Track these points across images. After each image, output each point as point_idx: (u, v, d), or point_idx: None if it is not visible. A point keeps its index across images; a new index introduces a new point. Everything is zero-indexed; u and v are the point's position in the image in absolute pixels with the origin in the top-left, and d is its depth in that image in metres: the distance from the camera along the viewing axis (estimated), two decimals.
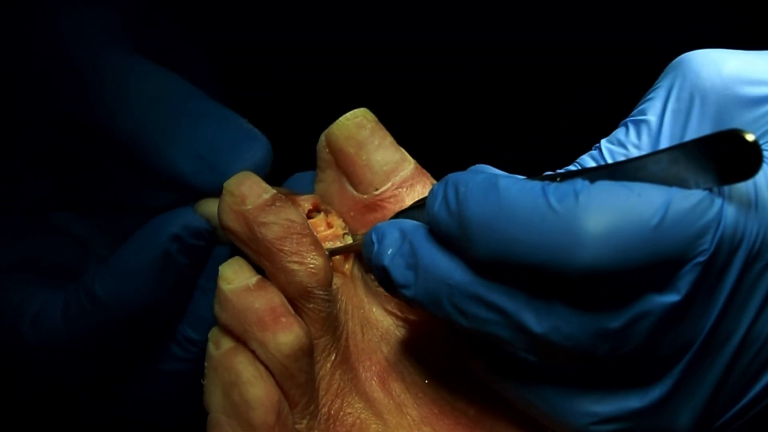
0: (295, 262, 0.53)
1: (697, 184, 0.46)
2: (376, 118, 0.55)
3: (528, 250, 0.46)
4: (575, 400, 0.49)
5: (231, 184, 0.53)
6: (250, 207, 0.53)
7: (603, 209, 0.45)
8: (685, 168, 0.46)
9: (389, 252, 0.50)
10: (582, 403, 0.48)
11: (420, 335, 0.56)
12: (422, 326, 0.56)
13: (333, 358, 0.54)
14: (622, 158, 0.50)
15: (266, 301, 0.52)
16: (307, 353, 0.53)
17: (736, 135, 0.44)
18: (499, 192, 0.47)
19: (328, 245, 0.55)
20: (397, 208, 0.55)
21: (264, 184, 0.53)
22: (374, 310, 0.56)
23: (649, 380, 0.48)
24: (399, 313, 0.56)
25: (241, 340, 0.53)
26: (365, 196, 0.55)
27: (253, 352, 0.52)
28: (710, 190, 0.46)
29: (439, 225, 0.49)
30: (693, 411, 0.48)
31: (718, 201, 0.46)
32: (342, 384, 0.54)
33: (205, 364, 0.54)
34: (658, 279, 0.46)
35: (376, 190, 0.55)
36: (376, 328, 0.55)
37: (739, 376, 0.48)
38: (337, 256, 0.55)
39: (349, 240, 0.56)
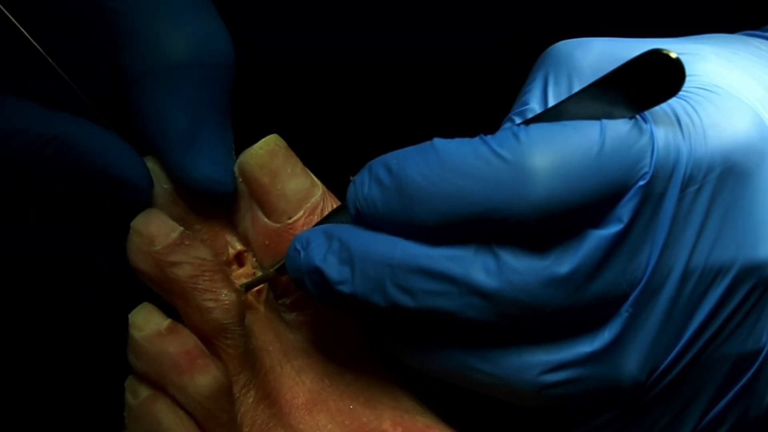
0: (210, 300, 0.52)
1: (622, 114, 0.48)
2: (286, 145, 0.55)
3: (478, 199, 0.46)
4: (524, 355, 0.49)
5: (138, 224, 0.52)
6: (159, 247, 0.52)
7: (546, 145, 0.46)
8: (608, 100, 0.47)
9: (319, 253, 0.50)
10: (532, 355, 0.49)
11: (341, 361, 0.56)
12: (343, 352, 0.56)
13: (254, 393, 0.54)
14: None
15: (180, 344, 0.52)
16: (227, 392, 0.52)
17: (659, 54, 0.46)
18: (437, 151, 0.48)
19: (241, 282, 0.55)
20: None
21: (171, 222, 0.53)
22: (291, 342, 0.55)
23: (598, 324, 0.49)
24: (318, 342, 0.56)
25: (159, 387, 0.52)
26: (278, 225, 0.55)
27: (172, 397, 0.52)
28: (634, 118, 0.48)
29: (374, 206, 0.49)
30: (639, 354, 0.49)
31: (646, 126, 0.48)
32: (266, 418, 0.54)
33: (125, 414, 0.53)
34: (602, 213, 0.47)
35: (289, 218, 0.55)
36: (295, 360, 0.55)
37: (678, 315, 0.49)
38: (250, 293, 0.55)
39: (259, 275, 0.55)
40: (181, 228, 0.53)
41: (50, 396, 0.67)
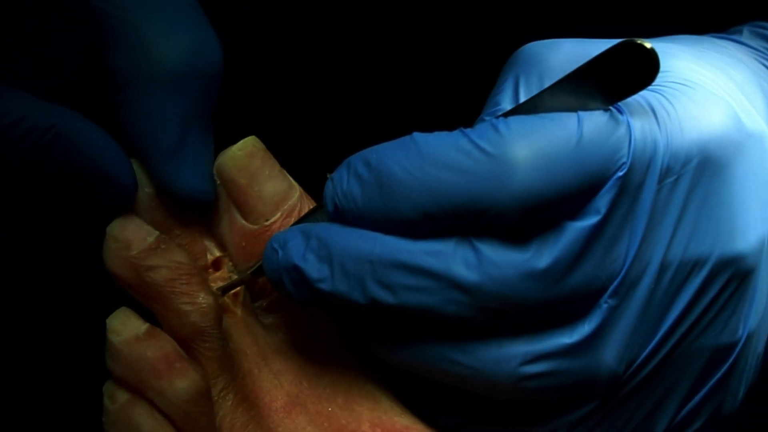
0: (187, 303, 0.52)
1: (598, 105, 0.48)
2: (264, 147, 0.55)
3: (459, 190, 0.47)
4: (504, 346, 0.49)
5: (114, 229, 0.52)
6: (135, 252, 0.52)
7: (525, 136, 0.47)
8: (583, 92, 0.48)
9: (297, 252, 0.50)
10: (511, 347, 0.49)
11: (320, 364, 0.56)
12: (321, 354, 0.56)
13: (233, 396, 0.54)
14: None
15: (158, 348, 0.52)
16: (206, 396, 0.52)
17: (634, 45, 0.46)
18: (417, 144, 0.48)
19: (218, 285, 0.55)
20: None
21: (147, 227, 0.53)
22: (269, 345, 0.55)
23: (578, 316, 0.49)
24: (295, 345, 0.56)
25: (137, 391, 0.52)
26: (255, 227, 0.55)
27: (150, 402, 0.52)
28: (609, 109, 0.48)
29: (353, 201, 0.49)
30: (618, 346, 0.49)
31: (623, 117, 0.48)
32: (245, 421, 0.54)
33: (103, 419, 0.53)
34: (580, 204, 0.47)
35: (267, 220, 0.55)
36: (273, 363, 0.55)
37: (656, 307, 0.50)
38: (227, 296, 0.55)
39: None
40: (157, 232, 0.53)
41: (37, 398, 0.66)
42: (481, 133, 0.47)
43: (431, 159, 0.48)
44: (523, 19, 0.66)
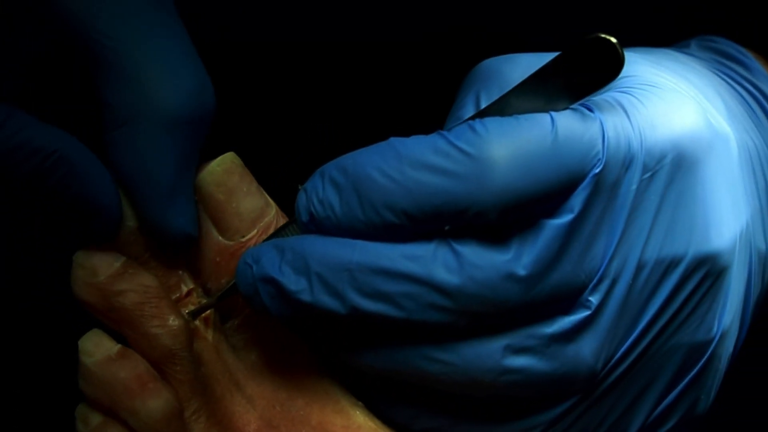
0: (157, 326, 0.52)
1: (565, 102, 0.49)
2: (242, 163, 0.55)
3: (439, 191, 0.47)
4: (485, 342, 0.49)
5: (80, 256, 0.52)
6: (102, 278, 0.52)
7: (503, 136, 0.47)
8: (550, 90, 0.49)
9: (273, 265, 0.50)
10: (492, 342, 0.49)
11: (292, 385, 0.56)
12: (293, 374, 0.56)
13: (205, 419, 0.54)
14: None
15: (131, 369, 0.52)
16: (179, 416, 0.52)
17: (598, 39, 0.47)
18: (395, 147, 0.48)
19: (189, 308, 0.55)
20: None
21: (114, 253, 0.52)
22: (241, 370, 0.55)
23: (558, 312, 0.50)
24: (268, 367, 0.56)
25: (111, 413, 0.52)
26: (231, 243, 0.55)
27: (123, 423, 0.52)
28: (582, 107, 0.49)
29: (331, 208, 0.49)
30: (596, 343, 0.50)
31: (594, 115, 0.49)
32: None
33: None
34: (558, 202, 0.48)
35: (243, 237, 0.54)
36: (245, 388, 0.55)
37: (633, 305, 0.50)
38: (197, 321, 0.55)
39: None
40: (124, 257, 0.53)
41: (9, 423, 0.66)
42: (458, 134, 0.48)
43: (409, 161, 0.48)
44: (511, 24, 0.65)
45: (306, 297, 0.49)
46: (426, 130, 0.50)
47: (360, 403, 0.55)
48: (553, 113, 0.49)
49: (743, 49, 0.60)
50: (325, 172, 0.50)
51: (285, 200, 0.56)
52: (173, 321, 0.52)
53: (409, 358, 0.50)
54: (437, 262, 0.48)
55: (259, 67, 0.66)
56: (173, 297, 0.54)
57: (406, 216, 0.48)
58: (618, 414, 0.52)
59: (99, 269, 0.52)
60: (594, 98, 0.51)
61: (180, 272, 0.55)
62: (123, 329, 0.52)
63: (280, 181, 0.58)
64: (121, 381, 0.51)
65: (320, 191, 0.50)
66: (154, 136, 0.51)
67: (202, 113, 0.52)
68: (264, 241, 0.53)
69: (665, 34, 0.64)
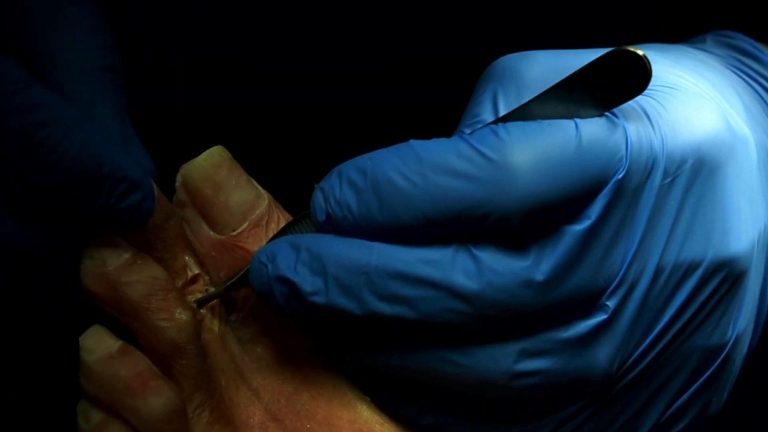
0: (164, 319, 0.52)
1: (589, 113, 0.49)
2: (231, 156, 0.54)
3: (461, 195, 0.47)
4: (500, 345, 0.49)
5: (90, 247, 0.51)
6: (111, 268, 0.51)
7: (526, 141, 0.47)
8: (574, 100, 0.48)
9: (288, 264, 0.49)
10: (508, 345, 0.49)
11: (298, 379, 0.55)
12: (299, 367, 0.55)
13: (209, 413, 0.53)
14: None
15: (132, 366, 0.51)
16: (181, 413, 0.52)
17: (626, 52, 0.47)
18: (416, 150, 0.48)
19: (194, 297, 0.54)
20: (256, 248, 0.54)
21: (123, 243, 0.52)
22: (246, 362, 0.55)
23: (575, 317, 0.49)
24: (273, 360, 0.56)
25: (112, 410, 0.51)
26: (222, 237, 0.54)
27: (125, 420, 0.51)
28: (604, 114, 0.49)
29: (348, 209, 0.48)
30: (612, 346, 0.50)
31: (618, 121, 0.49)
32: None
33: None
34: (580, 208, 0.48)
35: (234, 230, 0.54)
36: (251, 381, 0.55)
37: (650, 309, 0.50)
38: (204, 311, 0.55)
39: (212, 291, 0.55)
40: (133, 248, 0.52)
41: (10, 419, 0.66)
42: (481, 138, 0.47)
43: (431, 164, 0.47)
44: (501, 30, 0.65)
45: (322, 299, 0.49)
46: (424, 133, 0.50)
47: (367, 397, 0.55)
48: (577, 119, 0.48)
49: (758, 45, 0.60)
50: (343, 171, 0.49)
51: (284, 193, 0.55)
52: (180, 314, 0.52)
53: (423, 359, 0.50)
54: (456, 267, 0.48)
55: (257, 76, 0.65)
56: (179, 282, 0.54)
57: (426, 220, 0.48)
58: (629, 415, 0.52)
59: (108, 260, 0.52)
60: None
61: (186, 257, 0.54)
62: (130, 321, 0.52)
63: (280, 174, 0.58)
64: (122, 379, 0.51)
65: (337, 191, 0.49)
66: (83, 80, 0.50)
67: (117, 65, 0.52)
68: (275, 236, 0.53)
69: (680, 29, 0.64)
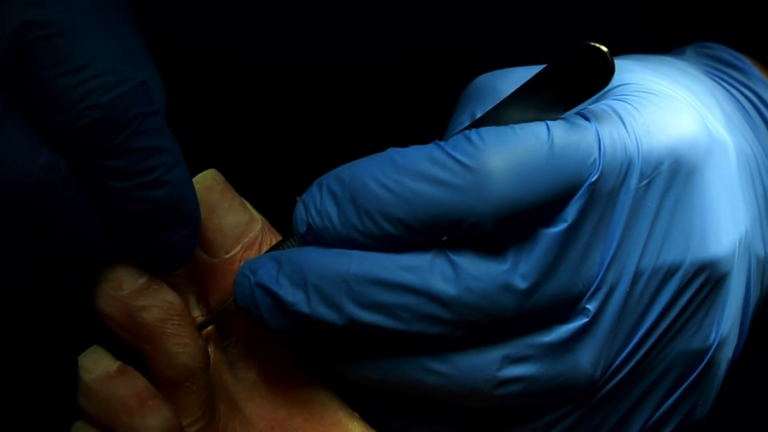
0: (178, 344, 0.52)
1: (557, 111, 0.49)
2: (224, 179, 0.55)
3: (436, 201, 0.47)
4: (482, 353, 0.49)
5: (106, 269, 0.52)
6: (127, 291, 0.52)
7: (499, 146, 0.47)
8: (541, 99, 0.49)
9: (270, 276, 0.50)
10: (489, 352, 0.49)
11: (290, 403, 0.55)
12: (292, 395, 0.56)
13: None
14: None
15: (130, 386, 0.51)
16: None
17: (589, 47, 0.47)
18: (392, 158, 0.49)
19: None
20: None
21: (139, 269, 0.52)
22: (239, 391, 0.55)
23: (556, 321, 0.49)
24: (265, 386, 0.56)
25: (109, 430, 0.52)
26: (216, 260, 0.54)
27: None
28: (575, 117, 0.49)
29: (329, 218, 0.49)
30: (594, 351, 0.50)
31: (590, 124, 0.49)
32: None
33: None
34: (555, 212, 0.48)
35: (227, 253, 0.54)
36: (245, 409, 0.55)
37: (631, 313, 0.50)
38: None
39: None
40: (148, 274, 0.52)
41: None
42: (455, 144, 0.48)
43: (407, 171, 0.48)
44: (499, 30, 0.65)
45: (303, 308, 0.49)
46: (422, 141, 0.50)
47: (356, 414, 0.55)
48: (548, 122, 0.49)
49: (739, 55, 0.60)
50: (322, 183, 0.50)
51: (281, 215, 0.56)
52: (194, 340, 0.52)
53: (406, 369, 0.50)
54: (434, 273, 0.48)
55: (251, 85, 0.65)
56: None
57: (403, 226, 0.48)
58: (615, 421, 0.52)
59: (124, 283, 0.52)
60: (590, 107, 0.51)
61: (188, 284, 0.55)
62: (143, 345, 0.52)
63: (275, 195, 0.58)
64: (120, 398, 0.51)
65: (318, 202, 0.50)
66: None
67: None
68: (263, 254, 0.53)
69: (661, 42, 0.64)
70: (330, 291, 0.49)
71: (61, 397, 0.60)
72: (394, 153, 0.49)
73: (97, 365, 0.52)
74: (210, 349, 0.55)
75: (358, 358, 0.51)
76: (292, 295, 0.49)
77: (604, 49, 0.47)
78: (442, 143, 0.48)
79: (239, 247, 0.54)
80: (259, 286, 0.50)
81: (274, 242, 0.55)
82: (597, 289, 0.50)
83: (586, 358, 0.50)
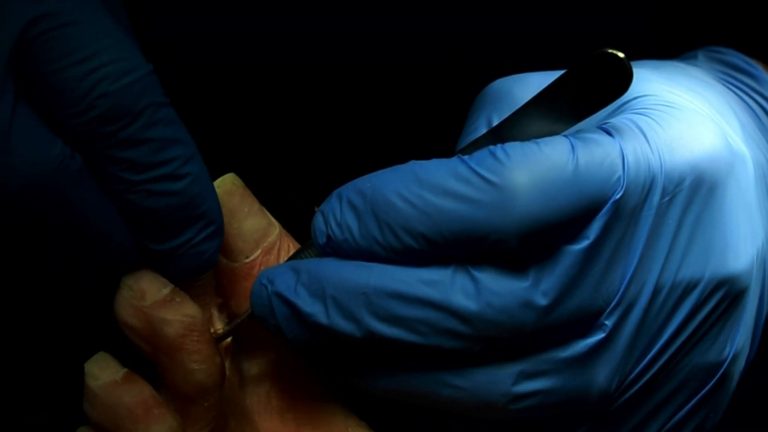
0: (196, 361, 0.51)
1: (574, 121, 0.49)
2: (243, 184, 0.54)
3: (460, 217, 0.47)
4: (498, 367, 0.49)
5: (129, 278, 0.51)
6: (149, 302, 0.51)
7: (524, 163, 0.47)
8: (558, 109, 0.49)
9: (288, 286, 0.49)
10: (506, 367, 0.49)
11: (301, 419, 0.55)
12: (302, 410, 0.55)
13: None
14: None
15: (136, 394, 0.51)
16: None
17: (606, 55, 0.47)
18: (415, 172, 0.48)
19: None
20: None
21: (163, 279, 0.51)
22: (252, 405, 0.55)
23: (574, 337, 0.49)
24: (277, 399, 0.56)
25: None
26: (235, 265, 0.54)
27: None
28: (598, 132, 0.49)
29: (348, 231, 0.49)
30: (611, 366, 0.50)
31: (614, 140, 0.49)
32: None
33: None
34: (578, 229, 0.48)
35: (246, 258, 0.54)
36: (257, 423, 0.55)
37: (649, 328, 0.50)
38: None
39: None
40: (172, 285, 0.52)
41: None
42: (479, 160, 0.48)
43: (430, 186, 0.48)
44: (500, 34, 0.65)
45: (321, 319, 0.49)
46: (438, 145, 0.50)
47: (363, 422, 0.55)
48: (572, 138, 0.48)
49: (751, 61, 0.60)
50: (342, 194, 0.50)
51: (292, 220, 0.56)
52: (212, 358, 0.52)
53: (422, 382, 0.50)
54: (455, 288, 0.48)
55: (263, 89, 0.65)
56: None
57: (425, 241, 0.48)
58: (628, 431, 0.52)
59: (147, 293, 0.51)
60: (611, 121, 0.51)
61: (209, 297, 0.54)
62: (159, 357, 0.52)
63: (287, 201, 0.57)
64: (125, 405, 0.51)
65: (338, 214, 0.49)
66: None
67: None
68: (282, 263, 0.53)
69: (672, 46, 0.64)
70: (349, 303, 0.48)
71: (66, 402, 0.60)
72: (417, 166, 0.48)
73: (104, 372, 0.52)
74: (227, 363, 0.54)
75: (375, 370, 0.51)
76: (310, 305, 0.49)
77: (621, 55, 0.47)
78: (465, 158, 0.48)
79: (259, 251, 0.54)
80: (276, 296, 0.50)
81: (291, 248, 0.55)
82: (616, 305, 0.49)
83: (602, 372, 0.50)
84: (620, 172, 0.48)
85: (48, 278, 0.55)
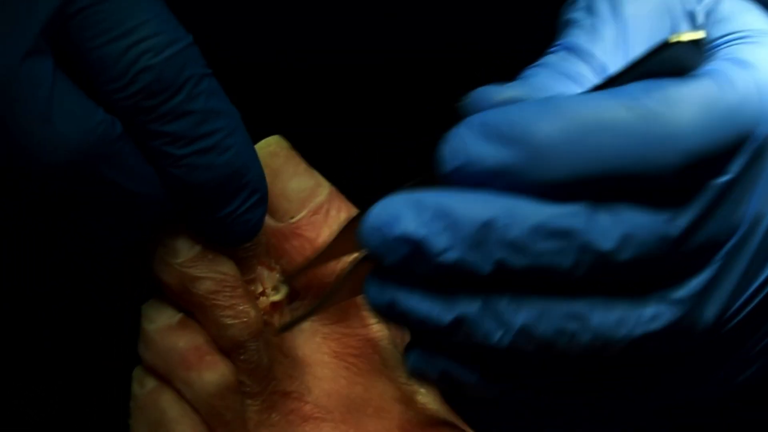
0: (228, 317, 0.52)
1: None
2: (289, 145, 0.54)
3: (613, 152, 0.44)
4: (617, 308, 0.47)
5: (164, 235, 0.52)
6: (181, 259, 0.52)
7: (681, 95, 0.45)
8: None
9: (411, 222, 0.45)
10: (624, 309, 0.47)
11: (351, 375, 0.56)
12: (352, 364, 0.56)
13: (260, 403, 0.54)
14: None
15: (190, 339, 0.52)
16: (234, 391, 0.52)
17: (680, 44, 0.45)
18: (561, 105, 0.45)
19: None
20: (314, 236, 0.54)
21: (196, 237, 0.52)
22: (302, 356, 0.55)
23: (690, 273, 0.47)
24: (333, 356, 0.56)
25: (166, 380, 0.52)
26: (281, 225, 0.54)
27: (178, 391, 0.52)
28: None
29: (483, 162, 0.45)
30: (720, 302, 0.48)
31: (755, 71, 0.47)
32: (272, 424, 0.54)
33: (131, 403, 0.53)
34: (725, 163, 0.46)
35: (292, 218, 0.54)
36: (303, 377, 0.55)
37: (757, 263, 0.48)
38: (267, 311, 0.55)
39: (283, 289, 0.55)
40: (203, 242, 0.52)
41: (68, 379, 0.67)
42: (647, 88, 0.45)
43: (579, 120, 0.45)
44: (500, 29, 0.64)
45: (454, 254, 0.45)
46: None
47: (422, 390, 0.55)
48: (726, 68, 0.47)
49: None
50: (475, 123, 0.46)
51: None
52: (245, 312, 0.52)
53: (546, 314, 0.46)
54: (593, 223, 0.45)
55: (262, 89, 0.66)
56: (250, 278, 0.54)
57: (576, 177, 0.45)
58: (732, 363, 0.51)
59: (180, 250, 0.52)
60: (741, 57, 0.48)
61: (262, 271, 0.55)
62: (195, 312, 0.52)
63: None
64: (179, 350, 0.52)
65: (470, 143, 0.45)
66: None
67: None
68: (394, 195, 0.47)
69: None
70: (480, 237, 0.45)
71: (67, 397, 0.61)
72: (564, 100, 0.45)
73: (160, 315, 0.52)
74: (276, 317, 0.54)
75: (498, 308, 0.47)
76: (438, 241, 0.45)
77: (699, 34, 0.45)
78: (614, 92, 0.45)
79: (305, 211, 0.54)
80: (405, 237, 0.45)
81: (342, 208, 0.54)
82: (737, 241, 0.47)
83: (710, 308, 0.48)
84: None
85: (54, 266, 0.56)
